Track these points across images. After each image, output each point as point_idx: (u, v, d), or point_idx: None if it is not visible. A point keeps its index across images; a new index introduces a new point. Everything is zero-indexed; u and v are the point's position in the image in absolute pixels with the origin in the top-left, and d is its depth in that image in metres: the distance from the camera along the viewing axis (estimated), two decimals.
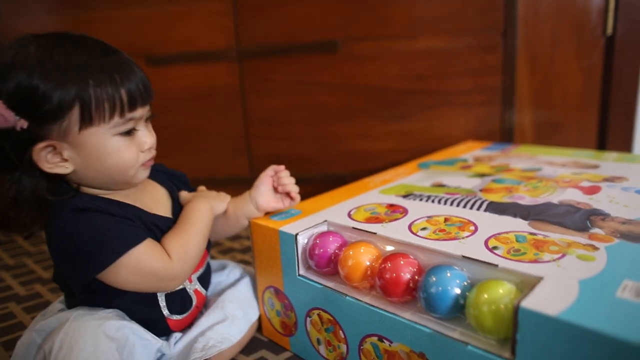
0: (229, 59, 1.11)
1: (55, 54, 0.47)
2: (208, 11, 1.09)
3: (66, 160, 0.50)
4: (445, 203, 0.63)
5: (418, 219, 0.57)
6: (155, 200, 0.60)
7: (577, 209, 0.57)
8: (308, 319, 0.58)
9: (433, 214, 0.59)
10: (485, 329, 0.42)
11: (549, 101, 1.05)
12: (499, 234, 0.52)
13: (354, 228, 0.57)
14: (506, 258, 0.46)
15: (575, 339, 0.35)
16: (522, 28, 1.01)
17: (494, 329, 0.41)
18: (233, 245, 1.00)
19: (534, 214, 0.57)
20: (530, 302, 0.38)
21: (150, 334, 0.54)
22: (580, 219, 0.54)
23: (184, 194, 0.62)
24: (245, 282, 0.67)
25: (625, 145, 1.01)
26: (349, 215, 0.61)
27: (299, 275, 0.58)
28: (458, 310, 0.45)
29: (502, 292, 0.42)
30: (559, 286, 0.40)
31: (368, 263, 0.52)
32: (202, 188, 0.68)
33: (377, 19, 1.05)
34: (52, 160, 0.49)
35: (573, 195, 0.62)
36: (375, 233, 0.55)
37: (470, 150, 0.97)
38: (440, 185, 0.72)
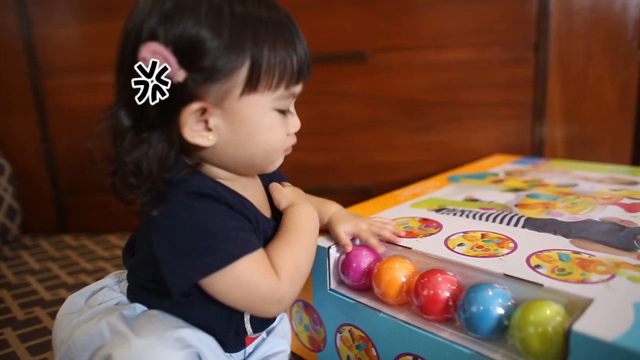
0: None
1: (233, 3, 0.40)
2: None
3: (210, 131, 0.42)
4: (480, 218, 0.61)
5: (454, 235, 0.56)
6: (264, 199, 0.52)
7: (621, 227, 0.55)
8: (338, 335, 0.57)
9: (469, 230, 0.57)
10: (532, 352, 0.40)
11: (581, 116, 1.03)
12: (540, 251, 0.50)
13: (387, 242, 0.55)
14: (551, 277, 0.44)
15: None
16: (554, 41, 0.99)
17: (542, 353, 0.39)
18: None
19: (575, 231, 0.55)
20: (583, 326, 0.36)
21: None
22: (626, 238, 0.52)
23: (277, 190, 0.52)
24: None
25: None
26: None
27: (330, 289, 0.57)
28: (500, 331, 0.43)
29: (549, 313, 0.40)
30: (612, 309, 0.38)
31: (404, 279, 0.51)
32: (286, 184, 0.56)
33: (406, 30, 1.05)
34: (195, 128, 0.42)
35: (615, 213, 0.60)
36: (410, 248, 0.53)
37: (499, 164, 0.95)
38: (473, 200, 0.70)
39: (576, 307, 0.40)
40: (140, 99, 0.39)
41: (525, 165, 0.93)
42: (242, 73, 0.41)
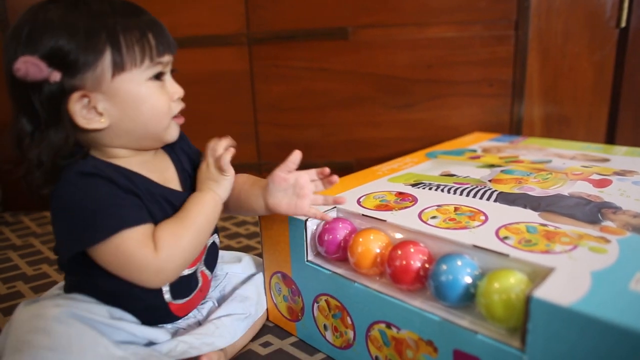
0: (239, 43, 1.10)
1: (79, 7, 0.48)
2: None
3: (101, 114, 0.49)
4: (454, 192, 0.63)
5: (428, 208, 0.57)
6: (168, 172, 0.57)
7: (587, 201, 0.57)
8: (315, 304, 0.59)
9: (443, 203, 0.59)
10: (496, 318, 0.42)
11: (559, 94, 1.05)
12: (509, 224, 0.51)
13: (363, 215, 0.57)
14: (517, 248, 0.46)
15: (587, 330, 0.35)
16: (534, 20, 1.00)
17: (505, 318, 0.41)
18: (239, 231, 1.00)
19: (544, 205, 0.57)
20: (543, 292, 0.38)
21: (143, 328, 0.52)
22: (591, 212, 0.54)
23: (200, 170, 0.57)
24: (261, 277, 0.66)
25: (635, 140, 1.01)
26: (358, 202, 0.61)
27: (307, 261, 0.58)
28: (468, 299, 0.45)
29: (513, 281, 0.42)
30: (571, 277, 0.40)
31: (378, 250, 0.52)
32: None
33: (388, 6, 1.04)
34: (87, 116, 0.49)
35: (583, 188, 0.62)
36: (385, 220, 0.55)
37: (478, 141, 0.96)
38: (449, 175, 0.72)
39: (539, 276, 0.42)
40: (29, 102, 0.47)
41: (502, 142, 0.94)
42: (106, 59, 0.48)
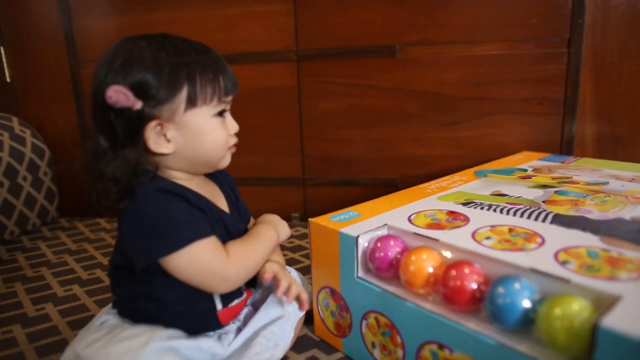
0: (288, 59, 1.13)
1: (166, 45, 0.54)
2: (268, 12, 1.12)
3: (169, 141, 0.55)
4: (507, 213, 0.62)
5: (481, 228, 0.57)
6: (219, 197, 0.63)
7: None
8: (364, 321, 0.59)
9: (496, 224, 0.58)
10: (557, 345, 0.41)
11: (614, 114, 1.01)
12: (568, 247, 0.50)
13: (415, 233, 0.57)
14: (578, 273, 0.44)
15: None
16: (588, 37, 0.98)
17: (567, 346, 0.40)
18: (282, 244, 1.01)
19: (604, 229, 0.55)
20: (611, 321, 0.37)
21: (202, 340, 0.54)
22: None
23: (263, 216, 0.67)
24: (293, 277, 0.67)
25: None
26: (409, 220, 0.61)
27: (357, 277, 0.58)
28: (525, 323, 0.44)
29: (577, 308, 0.40)
30: None
31: (431, 270, 0.52)
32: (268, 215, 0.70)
33: (437, 24, 1.05)
34: (158, 141, 0.55)
35: None
36: (437, 240, 0.54)
37: (527, 161, 0.94)
38: (501, 195, 0.70)
39: (603, 304, 0.40)
40: (109, 123, 0.53)
41: (553, 162, 0.92)
42: (182, 96, 0.54)
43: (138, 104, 0.52)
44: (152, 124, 0.53)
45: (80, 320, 0.72)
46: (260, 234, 0.61)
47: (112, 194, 0.53)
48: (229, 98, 0.58)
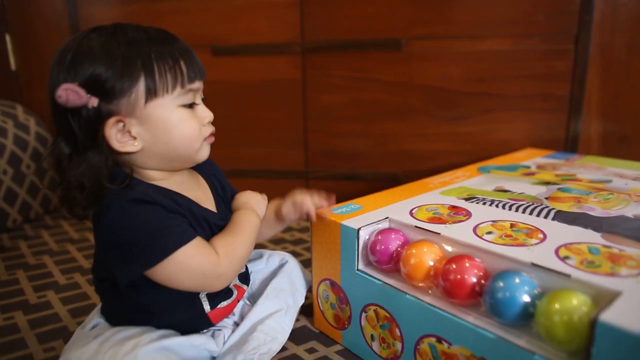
0: (292, 52, 1.12)
1: (117, 36, 0.50)
2: (274, 4, 1.11)
3: (135, 138, 0.52)
4: (510, 209, 0.62)
5: (483, 223, 0.56)
6: (204, 193, 0.60)
7: None
8: (363, 314, 0.59)
9: (498, 219, 0.58)
10: (556, 340, 0.41)
11: (620, 112, 1.01)
12: (569, 244, 0.50)
13: (416, 227, 0.57)
14: (579, 269, 0.44)
15: None
16: (596, 34, 0.97)
17: (566, 341, 0.40)
18: (284, 237, 1.01)
19: (606, 226, 0.55)
20: (609, 316, 0.36)
21: (195, 337, 0.54)
22: None
23: (236, 199, 0.64)
24: (290, 267, 0.68)
25: None
26: (411, 213, 0.61)
27: (357, 270, 0.58)
28: (524, 318, 0.44)
29: (576, 303, 0.40)
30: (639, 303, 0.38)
31: (431, 263, 0.52)
32: (247, 192, 0.67)
33: (443, 18, 1.04)
34: (122, 139, 0.51)
35: None
36: (439, 233, 0.54)
37: (531, 157, 0.94)
38: (503, 191, 0.70)
39: (603, 299, 0.40)
40: (68, 125, 0.50)
41: (557, 159, 0.92)
42: (140, 87, 0.50)
43: (93, 101, 0.49)
44: (112, 121, 0.50)
45: (80, 308, 0.73)
46: (242, 221, 0.58)
47: (79, 201, 0.50)
48: (196, 85, 0.54)
